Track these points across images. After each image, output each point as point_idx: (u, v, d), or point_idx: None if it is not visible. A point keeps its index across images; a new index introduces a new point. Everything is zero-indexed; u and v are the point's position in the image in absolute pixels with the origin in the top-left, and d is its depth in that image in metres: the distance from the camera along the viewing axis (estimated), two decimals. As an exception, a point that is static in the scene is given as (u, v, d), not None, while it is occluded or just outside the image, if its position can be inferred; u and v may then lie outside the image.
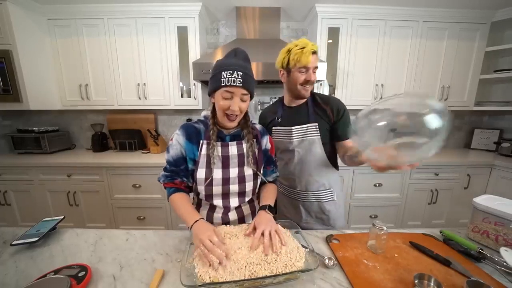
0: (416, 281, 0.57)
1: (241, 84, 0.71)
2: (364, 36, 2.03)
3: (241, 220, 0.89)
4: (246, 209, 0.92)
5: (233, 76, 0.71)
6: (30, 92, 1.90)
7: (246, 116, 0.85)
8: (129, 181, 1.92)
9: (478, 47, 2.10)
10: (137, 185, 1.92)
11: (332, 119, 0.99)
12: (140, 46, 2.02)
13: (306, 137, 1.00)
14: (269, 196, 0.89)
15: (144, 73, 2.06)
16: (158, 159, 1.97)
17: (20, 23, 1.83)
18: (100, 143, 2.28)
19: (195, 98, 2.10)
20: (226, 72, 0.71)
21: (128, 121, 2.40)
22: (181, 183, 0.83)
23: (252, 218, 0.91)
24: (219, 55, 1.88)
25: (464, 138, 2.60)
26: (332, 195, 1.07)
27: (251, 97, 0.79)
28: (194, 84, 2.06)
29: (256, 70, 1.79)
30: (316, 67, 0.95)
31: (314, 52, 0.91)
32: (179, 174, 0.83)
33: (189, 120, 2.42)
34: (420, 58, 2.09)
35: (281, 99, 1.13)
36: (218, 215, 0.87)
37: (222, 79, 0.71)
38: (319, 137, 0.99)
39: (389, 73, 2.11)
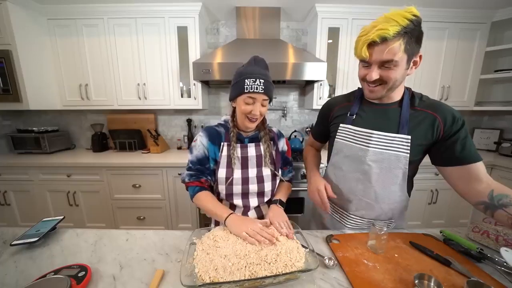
0: (416, 281, 0.57)
1: (263, 91, 0.77)
2: (364, 36, 2.03)
3: (260, 219, 0.91)
4: (264, 209, 0.95)
5: (255, 84, 0.76)
6: (30, 92, 1.90)
7: (263, 118, 0.92)
8: (129, 181, 1.92)
9: (478, 47, 2.09)
10: (137, 185, 1.91)
11: (442, 132, 0.71)
12: (140, 46, 2.02)
13: (390, 151, 0.75)
14: (282, 191, 0.95)
15: (144, 73, 2.06)
16: (158, 159, 1.97)
17: (20, 23, 1.83)
18: (100, 143, 2.28)
19: (195, 98, 2.10)
20: (249, 79, 0.77)
21: (128, 121, 2.40)
22: (206, 182, 0.87)
23: None
24: (219, 55, 1.88)
25: (464, 138, 2.60)
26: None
27: (270, 101, 0.84)
28: (194, 84, 2.06)
29: (256, 70, 1.79)
30: (388, 61, 0.64)
31: (384, 39, 0.62)
32: (204, 173, 0.87)
33: (189, 120, 2.42)
34: (420, 58, 2.09)
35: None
36: (238, 212, 0.91)
37: (245, 86, 0.77)
38: (408, 155, 0.74)
39: (389, 73, 2.10)
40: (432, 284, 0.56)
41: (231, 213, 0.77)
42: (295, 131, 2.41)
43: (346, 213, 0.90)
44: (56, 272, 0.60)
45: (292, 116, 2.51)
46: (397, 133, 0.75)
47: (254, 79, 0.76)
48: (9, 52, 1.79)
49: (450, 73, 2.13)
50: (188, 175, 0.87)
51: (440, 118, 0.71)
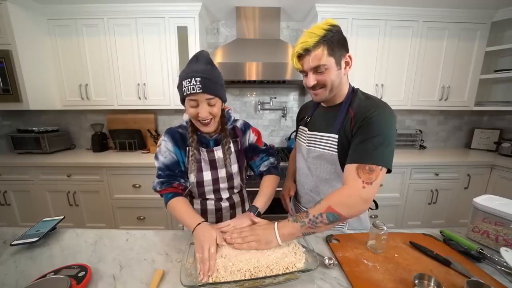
0: (416, 281, 0.57)
1: (201, 90, 0.70)
2: (364, 36, 2.03)
3: (232, 206, 0.95)
4: (236, 197, 0.97)
5: (191, 84, 0.70)
6: (30, 92, 1.90)
7: (223, 118, 0.86)
8: (129, 181, 1.91)
9: (478, 47, 2.09)
10: (137, 185, 1.91)
11: (351, 127, 0.73)
12: (140, 46, 2.02)
13: (319, 149, 0.82)
14: (261, 193, 0.88)
15: (144, 73, 2.06)
16: (158, 159, 1.97)
17: (20, 23, 1.82)
18: (100, 143, 2.28)
19: (195, 98, 2.09)
20: (185, 80, 0.71)
21: (128, 121, 2.40)
22: (179, 186, 0.84)
23: (242, 206, 1.00)
24: (219, 55, 1.88)
25: (464, 138, 2.60)
26: (342, 226, 0.89)
27: (223, 100, 0.79)
28: (194, 84, 2.05)
29: (256, 70, 1.79)
30: (317, 67, 0.71)
31: (307, 50, 0.70)
32: (176, 177, 0.84)
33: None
34: (420, 58, 2.09)
35: None
36: (211, 202, 0.93)
37: (183, 89, 0.72)
38: (335, 153, 0.78)
39: (389, 73, 2.11)
40: (432, 284, 0.56)
41: (198, 224, 0.71)
42: (295, 131, 2.41)
43: (299, 205, 0.98)
44: (56, 272, 0.60)
45: (292, 116, 2.51)
46: (328, 132, 0.80)
47: (189, 79, 0.70)
48: (9, 52, 1.79)
49: (450, 73, 2.13)
50: (159, 183, 0.82)
51: (352, 115, 0.74)
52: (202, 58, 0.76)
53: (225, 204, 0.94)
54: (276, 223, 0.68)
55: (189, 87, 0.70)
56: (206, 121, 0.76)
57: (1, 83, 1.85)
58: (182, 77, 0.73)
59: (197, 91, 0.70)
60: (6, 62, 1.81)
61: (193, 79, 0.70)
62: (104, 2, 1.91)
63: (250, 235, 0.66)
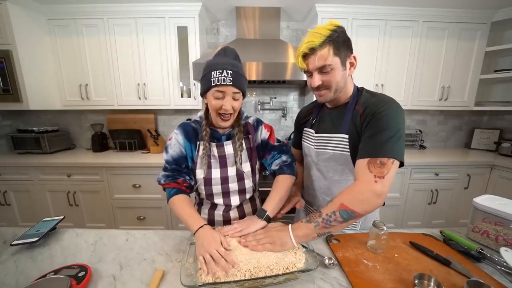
0: (416, 281, 0.57)
1: (231, 83, 0.71)
2: (364, 36, 2.03)
3: (243, 218, 0.88)
4: (247, 208, 0.92)
5: (222, 75, 0.70)
6: (30, 92, 1.90)
7: (238, 114, 0.85)
8: (129, 181, 1.92)
9: (478, 47, 2.10)
10: (137, 185, 1.91)
11: (361, 124, 0.72)
12: (140, 46, 2.02)
13: (330, 150, 0.80)
14: (272, 196, 0.81)
15: (144, 73, 2.06)
16: (158, 159, 1.97)
17: (20, 23, 1.83)
18: (100, 143, 2.28)
19: (195, 98, 2.10)
20: (215, 71, 0.70)
21: (128, 121, 2.40)
22: (184, 182, 0.81)
23: None
24: (219, 55, 1.88)
25: (464, 138, 2.60)
26: (355, 225, 0.88)
27: (244, 96, 0.79)
28: (194, 84, 2.06)
29: (256, 70, 1.79)
30: (323, 67, 0.70)
31: (313, 50, 0.69)
32: (181, 173, 0.81)
33: (189, 120, 2.42)
34: (420, 58, 2.09)
35: None
36: (219, 212, 0.88)
37: (212, 79, 0.71)
38: (347, 153, 0.76)
39: (389, 73, 2.11)
40: (432, 284, 0.56)
41: (201, 227, 0.68)
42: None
43: (311, 208, 0.95)
44: (56, 272, 0.60)
45: (292, 116, 2.51)
46: (337, 133, 0.78)
47: (221, 71, 0.69)
48: (9, 52, 1.79)
49: (450, 73, 2.13)
50: (164, 176, 0.81)
51: (361, 112, 0.73)
52: (230, 52, 0.76)
53: (234, 215, 0.89)
54: (290, 224, 0.68)
55: (219, 78, 0.70)
56: (227, 115, 0.75)
57: (1, 83, 1.85)
58: (211, 68, 0.71)
59: (227, 83, 0.70)
60: (6, 62, 1.81)
61: (224, 71, 0.70)
62: (103, 2, 1.91)
63: (265, 237, 0.66)
